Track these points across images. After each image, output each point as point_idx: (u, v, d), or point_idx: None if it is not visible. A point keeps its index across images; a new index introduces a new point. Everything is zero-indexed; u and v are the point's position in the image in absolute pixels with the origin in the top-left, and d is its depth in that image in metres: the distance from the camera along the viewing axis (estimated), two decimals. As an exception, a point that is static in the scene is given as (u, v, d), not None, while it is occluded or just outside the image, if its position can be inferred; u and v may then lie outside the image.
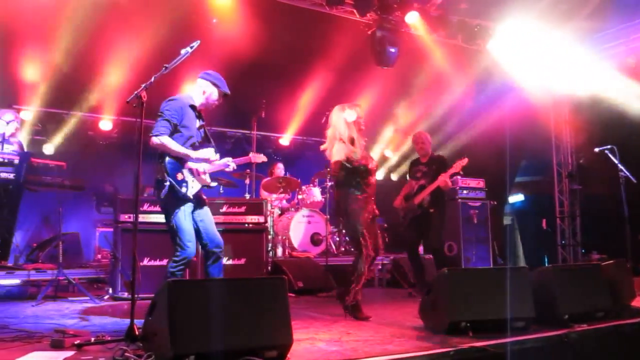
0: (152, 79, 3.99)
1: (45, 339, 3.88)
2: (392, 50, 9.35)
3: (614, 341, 4.41)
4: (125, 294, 6.28)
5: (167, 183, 4.30)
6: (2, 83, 8.51)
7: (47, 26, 8.05)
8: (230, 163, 4.78)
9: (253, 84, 9.15)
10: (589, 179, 10.50)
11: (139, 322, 3.58)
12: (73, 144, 10.10)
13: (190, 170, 4.46)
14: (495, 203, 9.53)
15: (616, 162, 7.15)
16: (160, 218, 6.52)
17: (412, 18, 9.21)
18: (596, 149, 7.45)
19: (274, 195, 9.24)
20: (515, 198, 11.77)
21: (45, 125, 9.98)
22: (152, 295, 3.54)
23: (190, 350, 3.05)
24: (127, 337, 3.55)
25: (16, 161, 6.95)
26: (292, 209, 9.31)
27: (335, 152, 5.15)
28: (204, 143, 4.63)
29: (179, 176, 4.38)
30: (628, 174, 7.16)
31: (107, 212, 9.63)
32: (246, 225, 7.15)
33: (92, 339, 3.69)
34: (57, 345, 3.61)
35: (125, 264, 6.27)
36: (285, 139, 12.54)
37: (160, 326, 3.19)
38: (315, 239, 8.79)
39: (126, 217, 6.53)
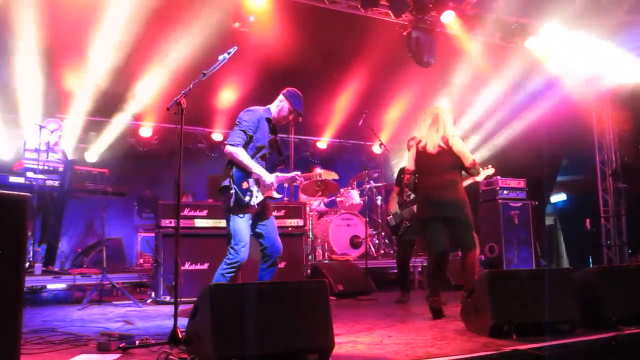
0: (191, 86, 4.04)
1: (91, 342, 3.96)
2: (429, 56, 9.31)
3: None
4: (167, 298, 6.38)
5: (232, 191, 4.45)
6: (47, 93, 8.73)
7: (87, 38, 8.25)
8: (298, 178, 4.92)
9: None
10: (634, 177, 10.23)
11: (181, 326, 3.63)
12: (114, 150, 10.27)
13: (257, 181, 4.60)
14: (537, 203, 9.37)
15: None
16: (201, 223, 6.70)
17: (448, 17, 9.14)
18: (641, 146, 7.26)
19: (313, 199, 9.26)
20: (557, 198, 11.55)
21: (88, 133, 10.19)
22: (194, 298, 3.58)
23: (233, 354, 3.07)
24: (170, 340, 3.60)
25: (61, 169, 7.15)
26: (331, 212, 9.31)
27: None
28: (274, 154, 4.83)
29: (244, 185, 4.53)
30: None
31: (148, 218, 9.81)
32: (286, 228, 7.18)
33: (137, 342, 3.75)
34: (103, 349, 3.68)
35: (167, 268, 6.37)
36: (322, 142, 12.56)
37: (203, 329, 3.22)
38: (354, 242, 8.76)
39: (167, 222, 6.62)
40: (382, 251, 9.33)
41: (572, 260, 10.39)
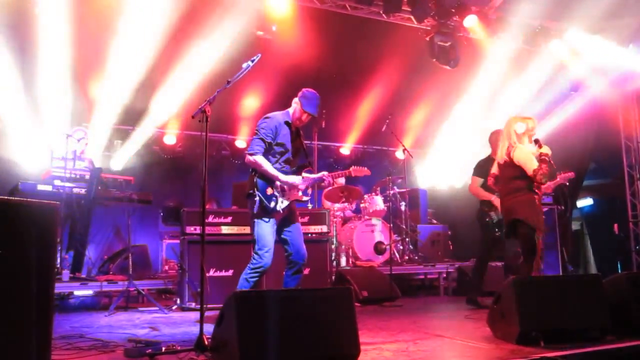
0: (216, 93, 4.08)
1: (119, 348, 4.01)
2: (451, 62, 9.28)
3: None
4: (193, 304, 6.41)
5: (257, 198, 4.52)
6: (75, 102, 8.86)
7: (112, 48, 8.36)
8: (326, 177, 4.91)
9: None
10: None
11: (207, 332, 3.64)
12: (139, 158, 10.38)
13: (281, 186, 4.63)
14: (563, 208, 9.24)
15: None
16: (226, 229, 6.73)
17: (471, 22, 9.10)
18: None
19: (337, 205, 9.25)
20: (584, 202, 11.38)
21: (113, 141, 10.31)
22: (219, 305, 3.61)
23: (259, 360, 3.09)
24: (196, 347, 3.62)
25: (87, 177, 7.24)
26: (355, 218, 9.29)
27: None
28: (298, 158, 4.86)
29: (269, 191, 4.59)
30: None
31: (173, 225, 9.87)
32: (309, 235, 7.18)
33: (163, 349, 3.78)
34: (130, 355, 3.72)
35: (193, 274, 6.40)
36: (345, 148, 12.54)
37: (229, 336, 3.24)
38: (379, 248, 8.73)
39: (192, 229, 6.66)
40: (407, 257, 9.28)
41: (600, 266, 10.21)
